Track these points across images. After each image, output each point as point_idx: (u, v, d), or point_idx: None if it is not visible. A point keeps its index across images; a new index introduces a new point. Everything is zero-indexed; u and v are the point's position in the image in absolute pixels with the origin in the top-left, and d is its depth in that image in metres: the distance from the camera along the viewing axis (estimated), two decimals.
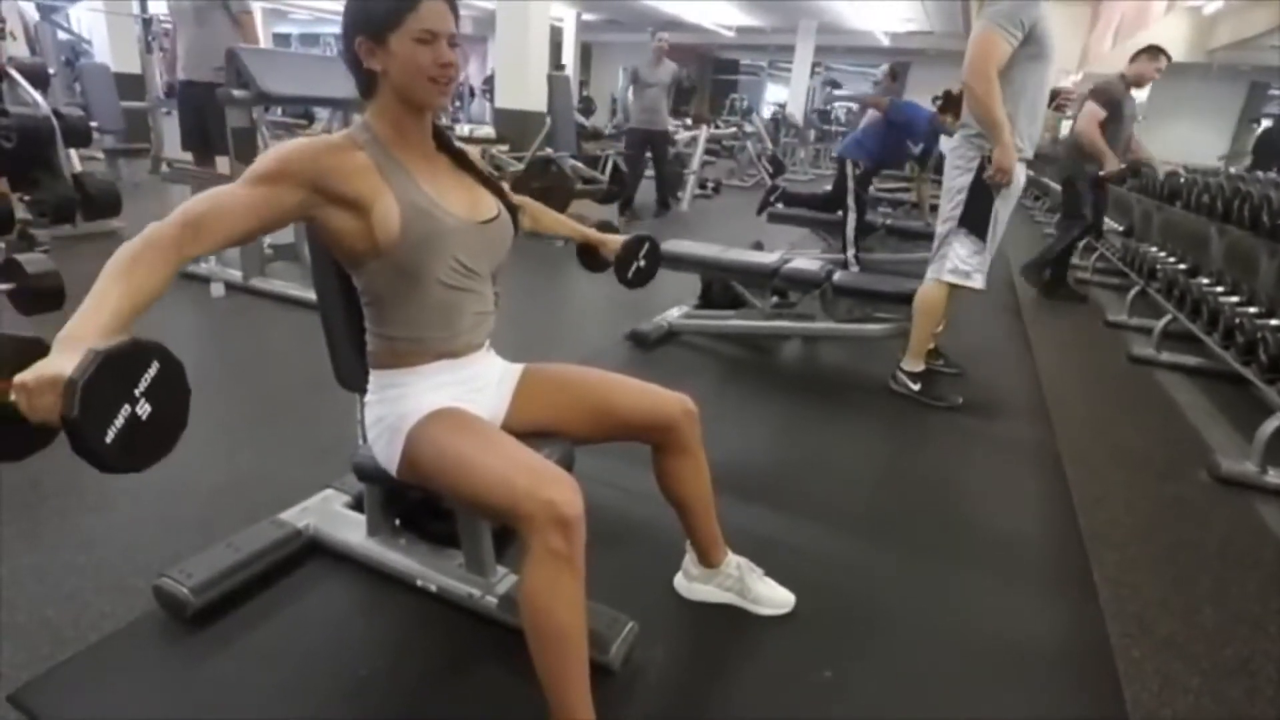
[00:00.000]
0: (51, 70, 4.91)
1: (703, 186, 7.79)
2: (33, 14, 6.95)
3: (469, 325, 1.20)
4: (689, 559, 1.49)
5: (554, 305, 3.80)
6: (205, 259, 3.49)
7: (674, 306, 3.41)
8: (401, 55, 1.05)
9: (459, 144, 1.23)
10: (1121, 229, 5.31)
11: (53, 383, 0.68)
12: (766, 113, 14.00)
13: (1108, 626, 1.55)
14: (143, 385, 0.71)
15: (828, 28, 13.88)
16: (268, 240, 3.34)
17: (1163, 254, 4.07)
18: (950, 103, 3.92)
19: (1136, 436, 2.63)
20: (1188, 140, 12.54)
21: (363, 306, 1.19)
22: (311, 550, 1.53)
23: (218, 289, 3.28)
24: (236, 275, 3.35)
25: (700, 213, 6.98)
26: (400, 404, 1.16)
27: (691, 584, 1.48)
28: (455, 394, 1.20)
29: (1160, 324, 3.48)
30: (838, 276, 2.92)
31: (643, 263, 1.67)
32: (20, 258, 2.16)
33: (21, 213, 3.84)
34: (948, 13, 12.05)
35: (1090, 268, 5.37)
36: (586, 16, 14.95)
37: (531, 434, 1.28)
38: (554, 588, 0.97)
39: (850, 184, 4.00)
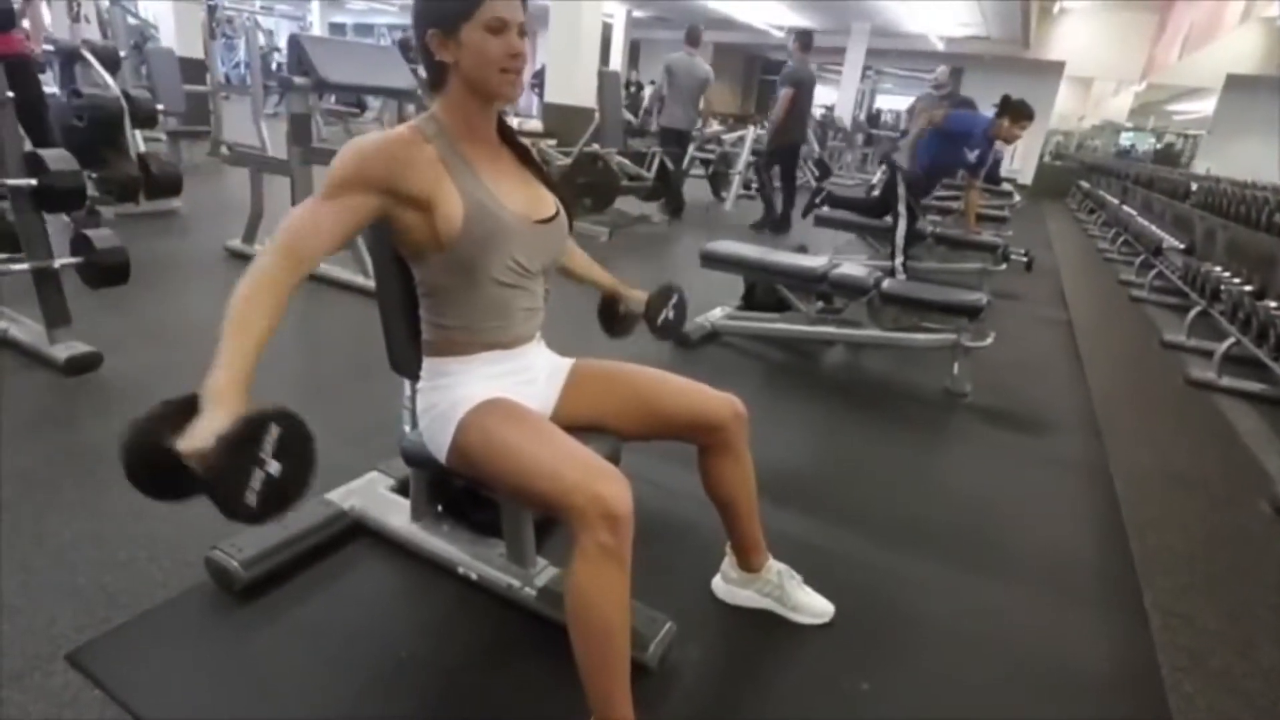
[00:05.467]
0: (122, 53, 5.10)
1: (747, 187, 7.73)
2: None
3: (520, 319, 1.21)
4: (728, 562, 1.48)
5: (593, 302, 3.80)
6: (260, 240, 3.58)
7: (716, 307, 3.39)
8: (473, 45, 1.05)
9: (523, 140, 1.24)
10: (1183, 247, 5.13)
11: (200, 456, 0.79)
12: (814, 115, 13.84)
13: (1158, 656, 1.50)
14: (268, 448, 0.81)
15: (881, 30, 13.65)
16: None
17: (1226, 274, 3.92)
18: (1008, 108, 3.81)
19: (1193, 462, 2.54)
20: (1258, 157, 12.05)
21: (419, 297, 1.20)
22: (356, 531, 1.56)
23: None
24: None
25: (744, 212, 6.93)
26: (452, 392, 1.17)
27: (730, 587, 1.47)
28: (506, 385, 1.20)
29: (1223, 347, 3.35)
30: (886, 284, 2.87)
31: (671, 314, 1.65)
32: (90, 233, 2.25)
33: (90, 190, 4.01)
34: (1006, 16, 11.74)
35: (1147, 285, 5.20)
36: (637, 13, 14.94)
37: (579, 428, 1.28)
38: (601, 583, 0.97)
39: (902, 190, 3.92)
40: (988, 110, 4.45)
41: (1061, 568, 1.81)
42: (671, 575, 1.54)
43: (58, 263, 2.24)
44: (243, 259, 3.60)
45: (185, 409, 0.84)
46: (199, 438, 0.79)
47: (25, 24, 4.30)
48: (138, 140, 4.74)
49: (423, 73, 1.15)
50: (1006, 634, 1.53)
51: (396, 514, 1.54)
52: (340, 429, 2.07)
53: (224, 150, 4.01)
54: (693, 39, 5.92)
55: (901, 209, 3.94)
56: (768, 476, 1.37)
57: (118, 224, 4.06)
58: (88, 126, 3.86)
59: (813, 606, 1.45)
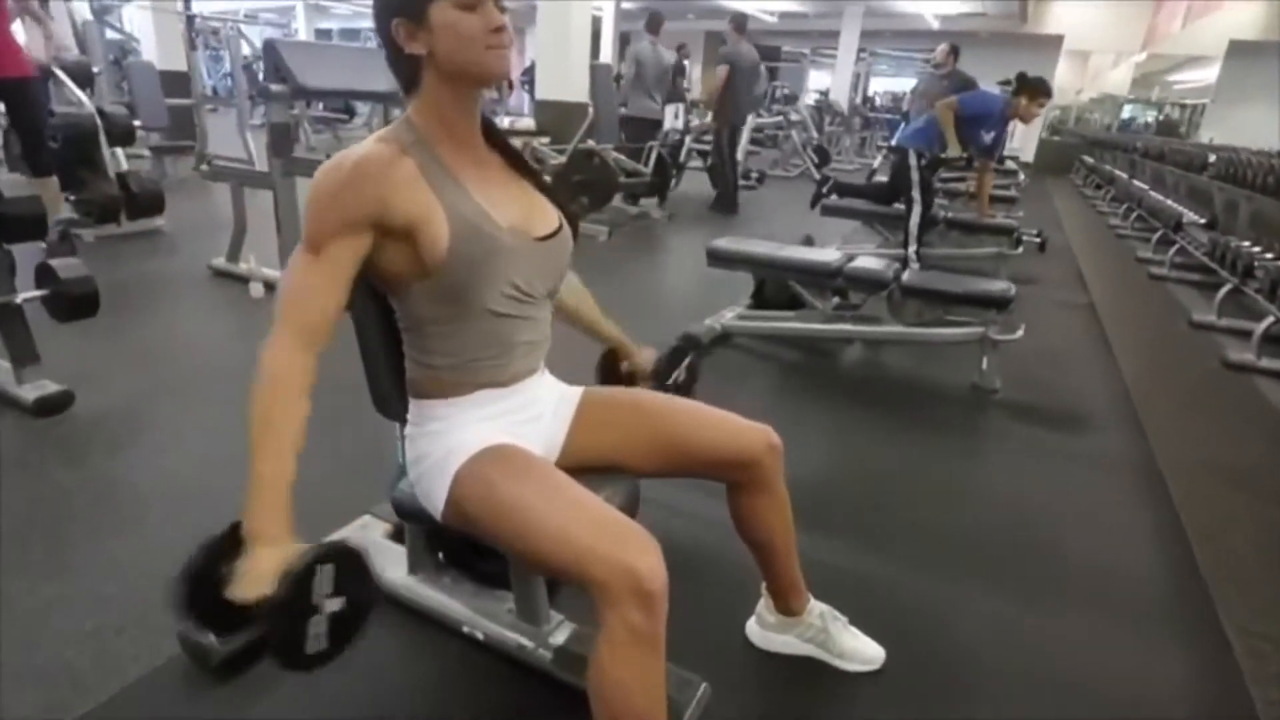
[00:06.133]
0: (97, 69, 4.93)
1: (746, 177, 7.56)
2: (84, 13, 7.04)
3: (521, 354, 1.05)
4: (765, 604, 1.33)
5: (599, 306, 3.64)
6: (244, 258, 3.42)
7: (726, 307, 3.22)
8: (446, 27, 0.90)
9: (514, 142, 1.08)
10: (1204, 221, 4.94)
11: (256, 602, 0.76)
12: (809, 100, 13.62)
13: (1250, 690, 1.34)
14: (323, 590, 0.78)
15: (875, 11, 13.42)
16: None
17: (1257, 249, 3.74)
18: (1024, 86, 3.64)
19: (1245, 455, 2.38)
20: (1262, 125, 11.80)
21: (401, 330, 1.04)
22: None
23: (257, 289, 3.21)
24: (275, 275, 3.27)
25: (746, 204, 6.75)
26: (444, 439, 1.02)
27: (767, 633, 1.32)
28: (506, 425, 1.05)
29: (1261, 327, 3.18)
30: (906, 276, 2.70)
31: (683, 376, 1.47)
32: (54, 263, 2.10)
33: (68, 212, 3.86)
34: None
35: (1168, 262, 5.02)
36: (626, 5, 14.71)
37: (591, 469, 1.14)
38: (632, 670, 0.82)
39: (915, 175, 3.75)
40: (987, 88, 4.30)
41: (1122, 585, 1.65)
42: (699, 617, 1.38)
43: (20, 297, 2.08)
44: (227, 278, 3.44)
45: (230, 545, 0.82)
46: (250, 584, 0.77)
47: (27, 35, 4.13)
48: (120, 158, 4.59)
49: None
50: (1071, 669, 1.37)
51: (393, 565, 1.38)
52: (332, 461, 1.92)
53: (203, 167, 3.84)
54: (654, 26, 5.92)
55: (915, 194, 3.78)
56: (793, 494, 1.21)
57: (98, 246, 3.91)
58: (62, 146, 3.70)
59: (861, 652, 1.30)
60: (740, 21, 6.00)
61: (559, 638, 1.22)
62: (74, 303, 2.07)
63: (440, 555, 1.38)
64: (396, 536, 1.45)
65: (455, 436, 1.01)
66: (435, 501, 1.02)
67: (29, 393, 2.03)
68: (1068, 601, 1.57)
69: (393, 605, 1.36)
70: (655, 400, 1.18)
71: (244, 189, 3.46)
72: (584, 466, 1.13)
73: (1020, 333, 2.62)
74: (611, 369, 1.39)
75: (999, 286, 2.60)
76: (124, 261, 3.73)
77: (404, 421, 1.10)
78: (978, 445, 2.38)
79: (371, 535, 1.47)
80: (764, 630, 1.32)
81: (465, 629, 1.27)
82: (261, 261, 3.35)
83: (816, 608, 1.30)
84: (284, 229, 3.17)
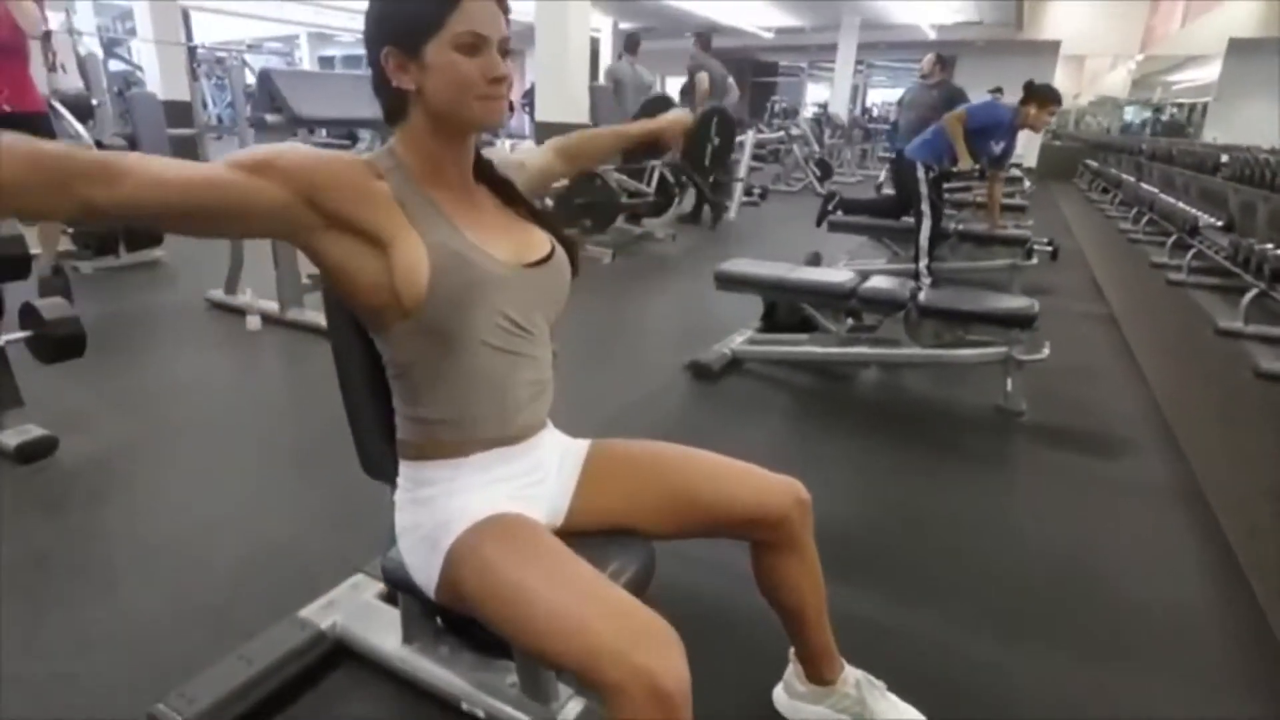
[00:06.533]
0: (95, 101, 4.90)
1: (749, 193, 7.48)
2: (91, 46, 7.07)
3: (525, 398, 0.95)
4: (794, 671, 1.21)
5: (601, 333, 3.54)
6: (241, 290, 3.34)
7: (736, 330, 3.12)
8: (441, 68, 0.81)
9: (503, 173, 0.98)
10: (1220, 224, 4.82)
11: None
12: (808, 114, 13.60)
13: None
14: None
15: (871, 24, 13.42)
16: (305, 270, 3.17)
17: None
18: (1033, 94, 3.55)
19: None
20: (1264, 122, 11.67)
21: (389, 381, 0.94)
22: (338, 655, 1.29)
23: (254, 322, 3.12)
24: (273, 307, 3.19)
25: (749, 221, 6.67)
26: (438, 508, 0.91)
27: (797, 703, 1.20)
28: (509, 490, 0.94)
29: None
30: (923, 296, 2.59)
31: (716, 140, 1.37)
32: (39, 303, 2.02)
33: (66, 244, 3.80)
34: None
35: (1185, 267, 4.89)
36: (623, 25, 14.77)
37: (600, 531, 1.03)
38: None
39: (924, 189, 3.65)
40: (978, 96, 4.20)
41: (1183, 634, 1.52)
42: (721, 683, 1.25)
43: (2, 340, 2.00)
44: (224, 310, 3.36)
45: None
46: None
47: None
48: None
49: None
50: None
51: (387, 632, 1.27)
52: (322, 510, 1.82)
53: None
54: (631, 47, 6.02)
55: (925, 208, 3.67)
56: (817, 539, 1.10)
57: (97, 279, 3.85)
58: None
59: None
60: (705, 39, 6.23)
61: (568, 715, 1.11)
62: (59, 344, 1.98)
63: (438, 620, 1.26)
64: (391, 598, 1.34)
65: (450, 505, 0.91)
66: (427, 578, 0.92)
67: (11, 438, 1.94)
68: (1123, 654, 1.44)
69: (385, 678, 1.25)
70: (668, 454, 1.07)
71: None
72: (592, 529, 1.03)
73: (1046, 352, 2.50)
74: (648, 147, 1.33)
75: (1021, 304, 2.49)
76: (121, 294, 3.66)
77: (394, 483, 1.00)
78: (1010, 476, 2.25)
79: (363, 597, 1.36)
80: (793, 700, 1.20)
81: (464, 706, 1.16)
82: (259, 294, 3.27)
83: (851, 675, 1.17)
84: (281, 261, 3.09)
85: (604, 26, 14.32)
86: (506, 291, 0.88)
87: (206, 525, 1.72)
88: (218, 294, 3.42)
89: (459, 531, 0.88)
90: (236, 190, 0.75)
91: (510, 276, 0.89)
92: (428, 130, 0.86)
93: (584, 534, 1.02)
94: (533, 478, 0.98)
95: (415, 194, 0.85)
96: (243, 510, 1.80)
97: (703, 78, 5.97)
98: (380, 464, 1.04)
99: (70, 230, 3.75)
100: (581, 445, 1.08)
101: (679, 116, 1.29)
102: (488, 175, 0.95)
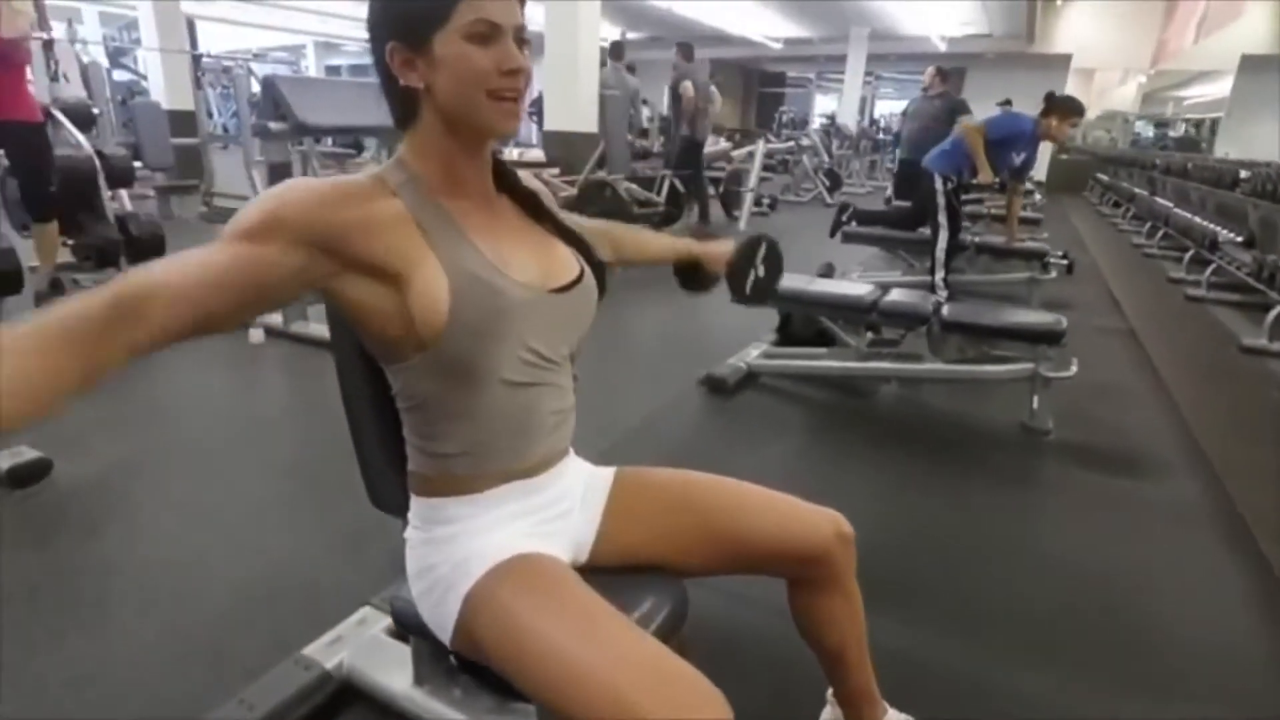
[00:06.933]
0: (96, 110, 4.86)
1: (758, 203, 7.44)
2: (95, 55, 7.06)
3: (548, 429, 0.87)
4: (831, 714, 1.12)
5: (610, 346, 3.46)
6: None
7: (750, 342, 3.04)
8: (451, 61, 0.73)
9: (530, 184, 0.91)
10: (1241, 239, 4.74)
11: None
12: (816, 124, 13.58)
13: None
14: None
15: (880, 34, 13.41)
16: None
17: None
18: (1054, 105, 3.48)
19: None
20: (1276, 137, 11.60)
21: (400, 411, 0.87)
22: (346, 696, 1.21)
23: (257, 335, 3.06)
24: (277, 319, 3.13)
25: (759, 231, 6.62)
26: (454, 548, 0.83)
27: None
28: (531, 526, 0.87)
29: None
30: (947, 310, 2.51)
31: (761, 270, 1.29)
32: None
33: (66, 256, 3.74)
34: (1010, 11, 11.47)
35: (1204, 283, 4.81)
36: (631, 35, 14.80)
37: (626, 567, 0.96)
38: None
39: (941, 200, 3.58)
40: (986, 108, 4.14)
41: (1223, 665, 1.45)
42: None
43: None
44: None
45: None
46: None
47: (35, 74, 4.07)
48: (123, 199, 4.50)
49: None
50: None
51: (395, 670, 1.19)
52: (327, 536, 1.74)
53: (202, 207, 3.72)
54: (617, 53, 6.19)
55: (942, 219, 3.60)
56: None
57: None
58: (60, 190, 3.60)
59: None
60: (688, 49, 6.43)
61: None
62: None
63: (452, 659, 1.18)
64: (401, 635, 1.26)
65: (467, 545, 0.83)
66: (441, 625, 0.84)
67: (3, 460, 1.87)
68: (1166, 690, 1.36)
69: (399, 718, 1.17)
70: (699, 484, 0.99)
71: None
72: (618, 565, 0.95)
73: (1074, 369, 2.42)
74: (690, 273, 1.26)
75: (1049, 319, 2.41)
76: None
77: (404, 518, 0.92)
78: (1040, 499, 2.16)
79: (370, 632, 1.28)
80: None
81: None
82: None
83: (895, 718, 1.09)
84: None
85: (611, 35, 14.35)
86: (532, 320, 0.80)
87: (205, 553, 1.64)
88: None
89: (477, 575, 0.80)
90: (253, 270, 0.68)
91: (537, 304, 0.81)
92: (441, 132, 0.78)
93: (609, 570, 0.94)
94: (555, 510, 0.91)
95: (431, 208, 0.78)
96: (243, 537, 1.72)
97: (687, 86, 6.16)
98: (389, 497, 0.96)
99: (68, 242, 3.70)
100: (606, 474, 1.00)
101: (723, 250, 1.23)
102: (510, 185, 0.88)
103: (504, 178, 0.87)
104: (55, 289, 2.80)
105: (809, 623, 1.01)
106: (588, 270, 0.90)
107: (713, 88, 6.76)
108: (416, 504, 0.88)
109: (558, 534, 0.91)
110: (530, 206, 0.89)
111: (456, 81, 0.73)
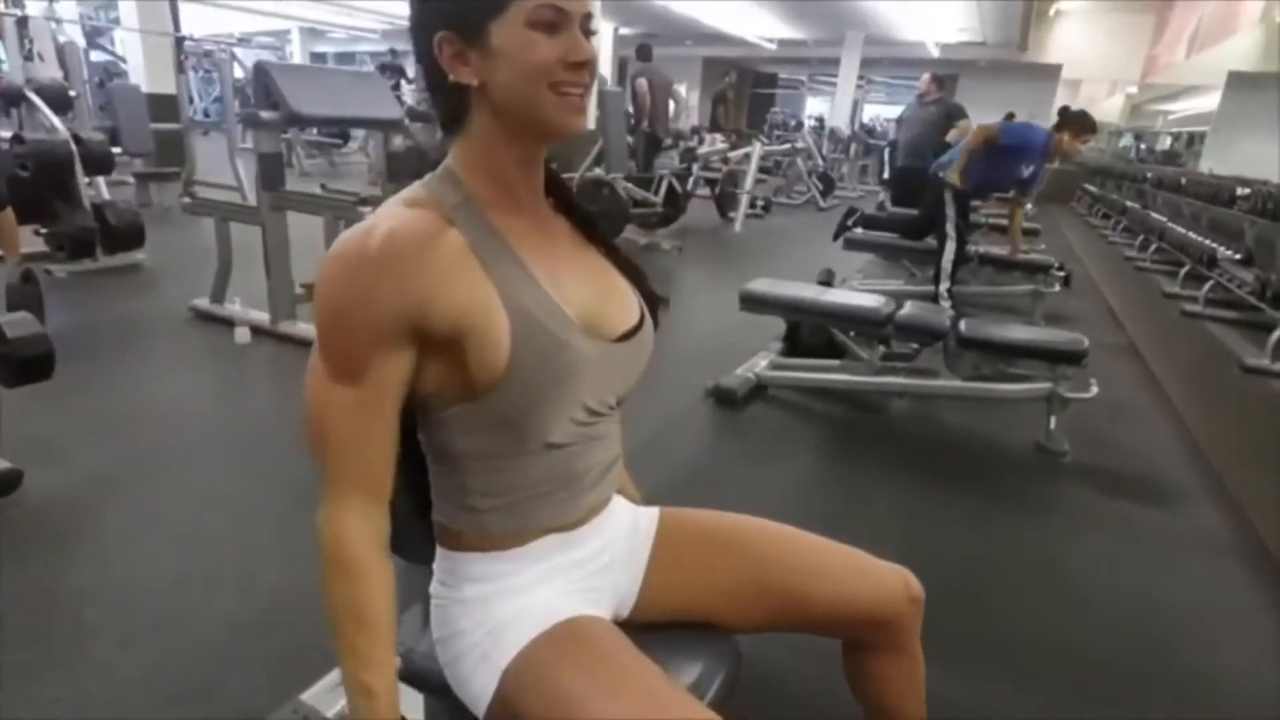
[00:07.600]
0: (73, 92, 4.67)
1: (753, 205, 7.37)
2: (71, 34, 6.80)
3: (592, 481, 0.78)
4: None
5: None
6: (229, 299, 3.14)
7: (757, 354, 2.96)
8: (511, 52, 0.63)
9: (582, 204, 0.81)
10: (1238, 256, 4.74)
11: None
12: (808, 126, 13.54)
13: None
14: None
15: (875, 39, 13.39)
16: (299, 279, 2.97)
17: None
18: (1068, 120, 3.44)
19: None
20: (1262, 156, 11.74)
21: (428, 460, 0.76)
22: None
23: (242, 334, 2.92)
24: (264, 318, 2.99)
25: (755, 234, 6.55)
26: (488, 612, 0.73)
27: None
28: (571, 583, 0.77)
29: None
30: (964, 326, 2.44)
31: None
32: (2, 319, 1.81)
33: (40, 246, 3.56)
34: (1004, 19, 11.50)
35: (1202, 299, 4.80)
36: (624, 31, 14.68)
37: (675, 622, 0.86)
38: None
39: (950, 209, 3.52)
40: (978, 118, 4.09)
41: (1255, 706, 1.40)
42: None
43: None
44: (210, 320, 3.15)
45: None
46: None
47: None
48: (100, 187, 4.31)
49: (426, 104, 0.72)
50: None
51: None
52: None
53: (183, 199, 3.56)
54: (645, 55, 6.35)
55: (950, 230, 3.55)
56: None
57: (71, 283, 3.62)
58: (33, 176, 3.42)
59: None
60: (646, 51, 6.51)
61: None
62: (24, 365, 1.76)
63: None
64: (406, 678, 1.15)
65: (502, 609, 0.73)
66: (474, 697, 0.74)
67: None
68: None
69: None
70: (752, 531, 0.90)
71: (229, 223, 3.18)
72: (663, 620, 0.86)
73: (1094, 390, 2.36)
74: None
75: (1070, 339, 2.36)
76: (98, 301, 3.44)
77: (429, 566, 0.82)
78: (1061, 527, 2.09)
79: None
80: None
81: None
82: (249, 303, 3.08)
83: None
84: (273, 269, 2.90)
85: (605, 31, 14.21)
86: (593, 376, 0.70)
87: (190, 577, 1.53)
88: (203, 303, 3.21)
89: (520, 644, 0.71)
90: (394, 381, 0.66)
91: (599, 358, 0.70)
92: (498, 138, 0.68)
93: (654, 626, 0.85)
94: (597, 564, 0.81)
95: (487, 232, 0.68)
96: (233, 557, 1.61)
97: (641, 83, 6.21)
98: (413, 545, 0.85)
99: (41, 231, 3.52)
100: (650, 517, 0.91)
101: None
102: (567, 201, 0.78)
103: (558, 191, 0.77)
104: (28, 281, 2.63)
105: (865, 686, 0.93)
106: (646, 314, 0.80)
107: (677, 87, 6.81)
108: (443, 557, 0.78)
109: (600, 590, 0.81)
110: (586, 228, 0.79)
111: (517, 75, 0.63)
